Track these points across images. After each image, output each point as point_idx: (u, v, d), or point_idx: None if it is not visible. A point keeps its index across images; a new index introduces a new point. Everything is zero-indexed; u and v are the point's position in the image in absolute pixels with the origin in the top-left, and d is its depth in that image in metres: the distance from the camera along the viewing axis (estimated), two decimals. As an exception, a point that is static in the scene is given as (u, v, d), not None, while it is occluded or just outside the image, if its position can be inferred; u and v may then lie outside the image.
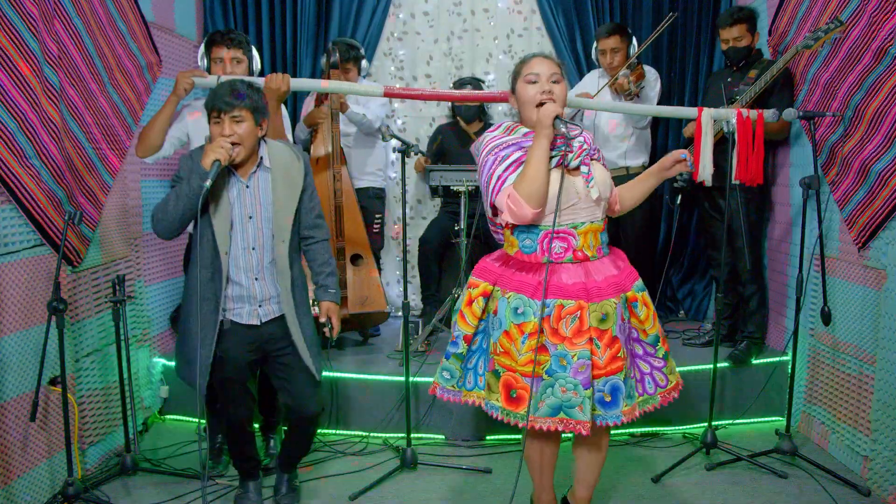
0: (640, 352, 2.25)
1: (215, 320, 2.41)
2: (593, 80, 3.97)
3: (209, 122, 2.38)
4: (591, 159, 2.20)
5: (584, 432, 2.09)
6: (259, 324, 2.47)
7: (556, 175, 2.11)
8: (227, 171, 2.39)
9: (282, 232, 2.44)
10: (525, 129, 2.22)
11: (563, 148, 2.12)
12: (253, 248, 2.43)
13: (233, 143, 2.32)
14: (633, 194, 2.39)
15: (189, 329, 2.46)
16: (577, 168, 2.15)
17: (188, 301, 2.48)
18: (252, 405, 2.61)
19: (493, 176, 2.14)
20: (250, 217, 2.43)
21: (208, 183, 2.23)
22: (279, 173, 2.45)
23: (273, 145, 2.50)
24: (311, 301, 2.63)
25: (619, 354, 2.12)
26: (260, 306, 2.46)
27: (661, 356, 2.25)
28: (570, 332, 2.10)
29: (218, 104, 2.33)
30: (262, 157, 2.44)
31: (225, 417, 2.59)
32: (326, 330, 2.57)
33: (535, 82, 2.19)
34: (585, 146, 2.18)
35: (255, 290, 2.45)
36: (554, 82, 2.18)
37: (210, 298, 2.41)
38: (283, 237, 2.45)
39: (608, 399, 2.12)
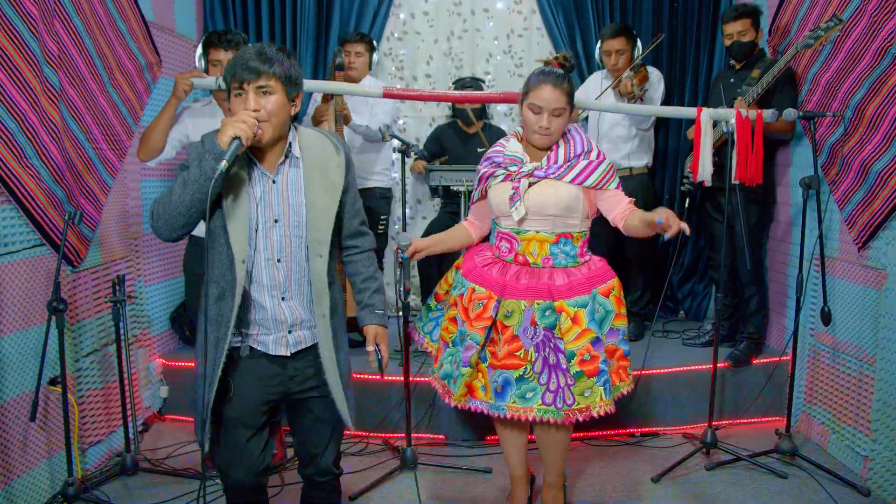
0: (564, 365, 2.31)
1: (220, 353, 1.86)
2: (596, 82, 3.97)
3: (229, 98, 1.87)
4: (554, 178, 2.34)
5: (449, 403, 2.38)
6: (288, 354, 1.95)
7: (506, 186, 2.36)
8: (249, 161, 1.88)
9: (319, 245, 1.91)
10: (514, 146, 2.43)
11: (510, 168, 2.37)
12: (279, 260, 1.90)
13: (259, 120, 1.80)
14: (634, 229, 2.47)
15: (196, 367, 1.94)
16: (529, 186, 2.36)
17: (200, 324, 1.94)
18: (261, 465, 2.01)
19: (475, 186, 2.53)
20: (276, 221, 1.89)
21: (224, 164, 1.72)
22: (314, 168, 1.92)
23: (305, 133, 1.97)
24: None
25: (517, 353, 2.31)
26: (290, 332, 1.94)
27: (572, 374, 2.29)
28: (474, 314, 2.35)
29: (240, 72, 1.80)
30: (290, 144, 1.91)
31: (222, 477, 2.02)
32: (373, 361, 2.05)
33: (537, 113, 2.31)
34: (524, 168, 2.35)
35: (282, 313, 1.92)
36: (557, 115, 2.30)
37: (218, 323, 1.87)
38: (321, 251, 1.92)
39: (499, 390, 2.33)
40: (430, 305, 2.61)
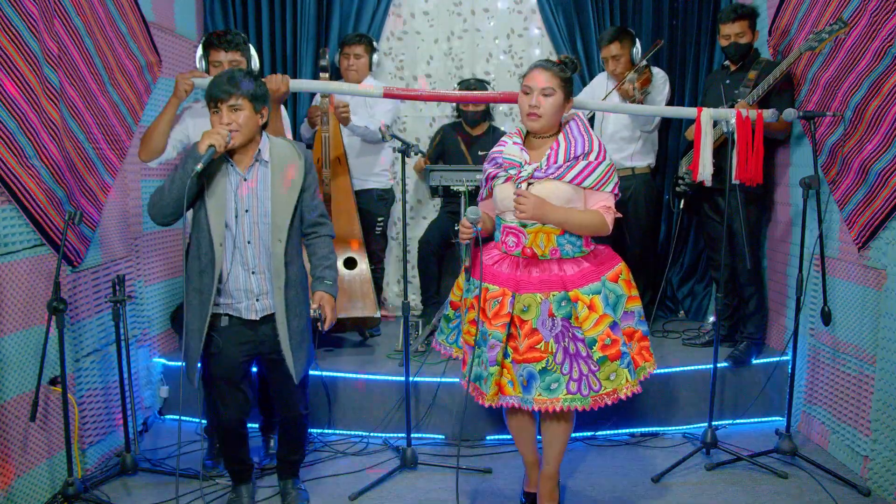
0: (584, 353, 2.37)
1: (206, 313, 2.37)
2: (602, 83, 3.96)
3: (210, 114, 2.36)
4: (553, 178, 2.37)
5: (482, 403, 2.41)
6: (257, 319, 2.43)
7: (509, 186, 2.40)
8: (226, 161, 2.36)
9: (279, 231, 2.40)
10: (512, 149, 2.45)
11: (510, 172, 2.41)
12: (249, 242, 2.39)
13: (232, 131, 2.29)
14: None
15: (185, 324, 2.44)
16: (529, 186, 2.39)
17: (186, 294, 2.46)
18: (246, 407, 2.56)
19: (481, 185, 2.57)
20: (247, 211, 2.38)
21: (199, 166, 2.20)
22: (278, 170, 2.41)
23: (275, 142, 2.47)
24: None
25: (538, 346, 2.36)
26: (257, 300, 2.43)
27: (595, 359, 2.35)
28: (492, 313, 2.40)
29: (215, 93, 2.31)
30: (260, 150, 2.40)
31: (216, 417, 2.57)
32: (319, 324, 2.52)
33: (527, 94, 2.39)
34: (523, 172, 2.38)
35: (251, 284, 2.41)
36: (546, 95, 2.36)
37: (201, 291, 2.38)
38: (281, 237, 2.40)
39: (525, 384, 2.38)
40: (448, 315, 2.65)
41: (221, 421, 2.55)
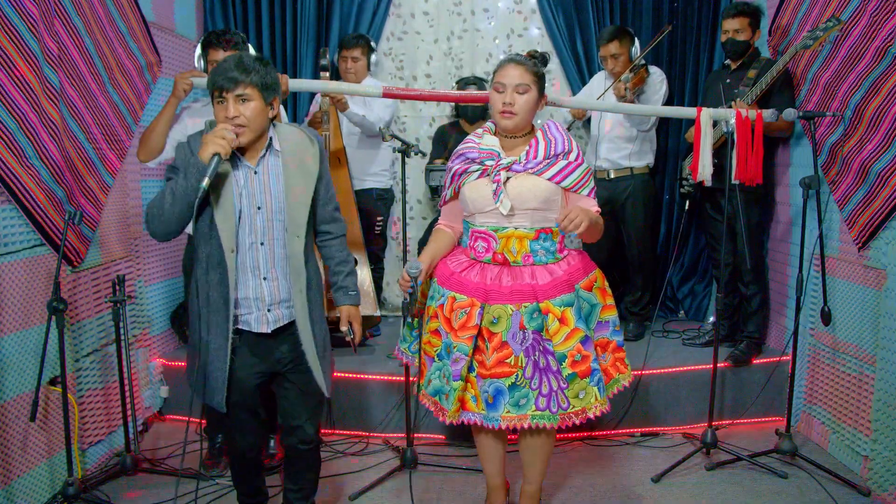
0: (555, 367, 2.24)
1: (227, 328, 2.08)
2: (600, 82, 3.97)
3: (213, 104, 2.07)
4: (532, 173, 2.27)
5: (443, 420, 2.26)
6: (269, 332, 2.14)
7: (483, 182, 2.28)
8: (233, 154, 2.05)
9: (296, 227, 2.12)
10: (490, 140, 2.34)
11: (487, 163, 2.29)
12: (261, 244, 2.10)
13: (238, 126, 2.00)
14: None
15: (200, 341, 2.12)
16: (507, 180, 2.27)
17: (196, 309, 2.13)
18: (263, 431, 2.35)
19: (445, 185, 2.44)
20: (259, 208, 2.09)
21: (205, 182, 1.91)
22: (291, 159, 2.13)
23: (283, 128, 2.17)
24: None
25: (507, 360, 2.23)
26: (269, 311, 2.14)
27: (564, 376, 2.23)
28: (458, 325, 2.25)
29: (220, 81, 1.99)
30: (271, 138, 2.11)
31: (229, 446, 2.32)
32: (349, 339, 2.29)
33: (500, 92, 2.26)
34: (502, 161, 2.27)
35: (263, 292, 2.12)
36: (521, 92, 2.24)
37: (220, 305, 2.08)
38: (298, 233, 2.12)
39: (490, 401, 2.24)
40: (412, 324, 2.49)
41: (235, 450, 2.29)
